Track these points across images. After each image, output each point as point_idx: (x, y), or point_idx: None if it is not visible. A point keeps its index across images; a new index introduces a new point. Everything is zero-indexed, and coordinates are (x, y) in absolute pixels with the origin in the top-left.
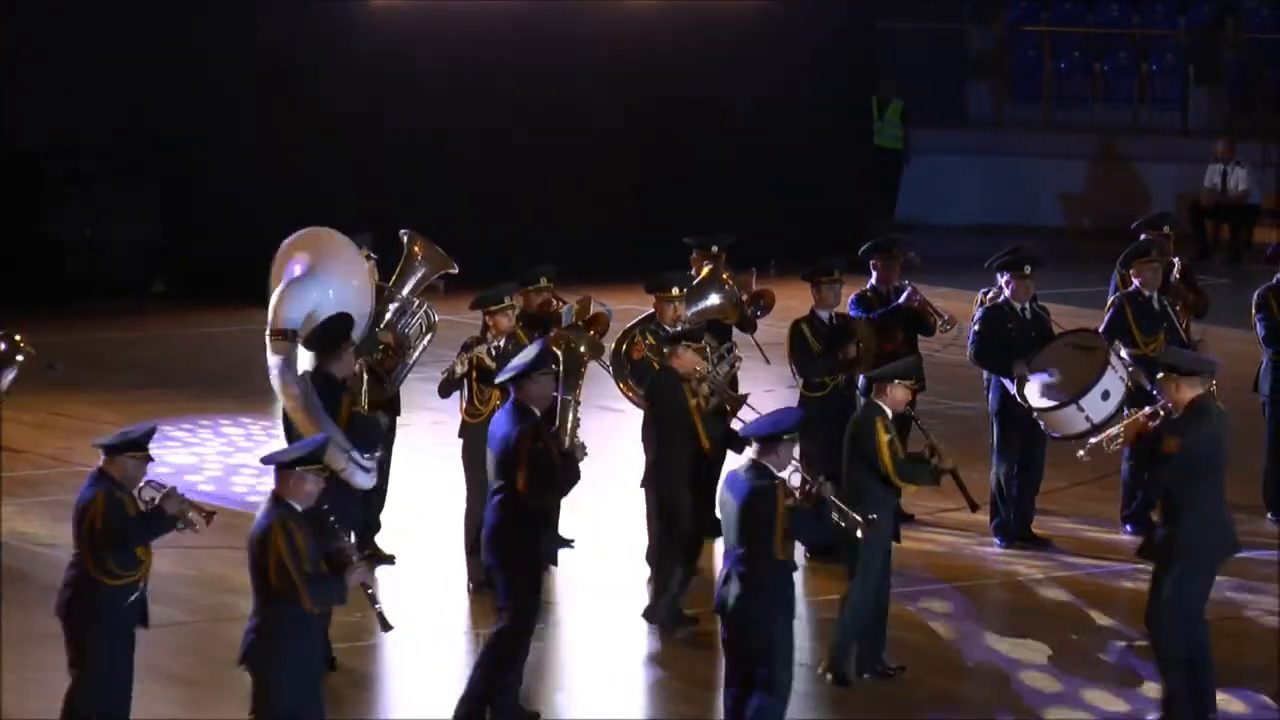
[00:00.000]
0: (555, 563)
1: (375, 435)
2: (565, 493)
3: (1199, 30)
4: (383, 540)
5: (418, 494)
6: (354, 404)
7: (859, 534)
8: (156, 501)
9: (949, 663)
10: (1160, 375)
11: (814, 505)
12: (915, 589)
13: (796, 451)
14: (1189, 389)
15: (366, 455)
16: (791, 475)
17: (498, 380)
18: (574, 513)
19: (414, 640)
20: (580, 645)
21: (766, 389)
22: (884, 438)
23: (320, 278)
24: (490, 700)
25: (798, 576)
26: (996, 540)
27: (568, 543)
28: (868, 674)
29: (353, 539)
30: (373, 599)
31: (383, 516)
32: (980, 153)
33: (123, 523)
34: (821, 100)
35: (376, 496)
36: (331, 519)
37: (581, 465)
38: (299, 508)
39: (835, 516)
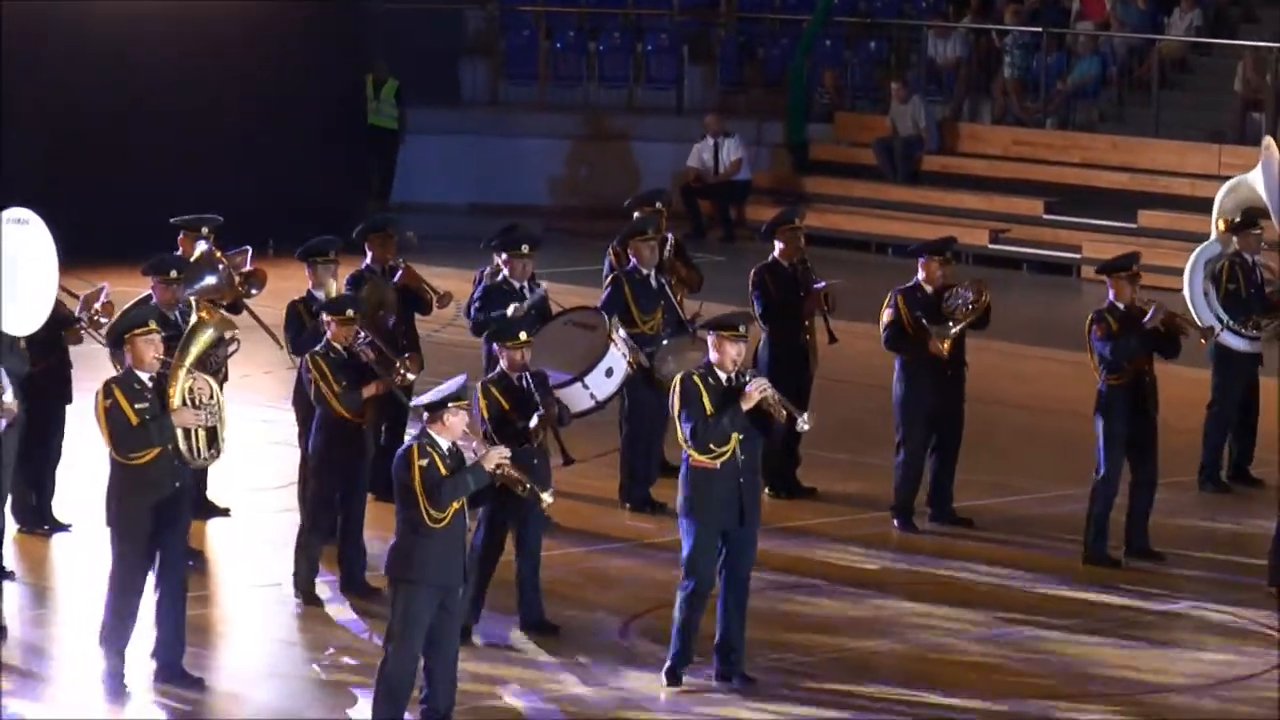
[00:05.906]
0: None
1: None
2: (135, 453)
3: (693, 10)
4: None
5: None
6: None
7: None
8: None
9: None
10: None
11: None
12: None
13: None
14: None
15: None
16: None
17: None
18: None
19: None
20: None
21: (265, 370)
22: None
23: None
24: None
25: None
26: None
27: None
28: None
29: None
30: None
31: None
32: (475, 132)
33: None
34: (316, 80)
35: None
36: None
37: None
38: None
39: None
